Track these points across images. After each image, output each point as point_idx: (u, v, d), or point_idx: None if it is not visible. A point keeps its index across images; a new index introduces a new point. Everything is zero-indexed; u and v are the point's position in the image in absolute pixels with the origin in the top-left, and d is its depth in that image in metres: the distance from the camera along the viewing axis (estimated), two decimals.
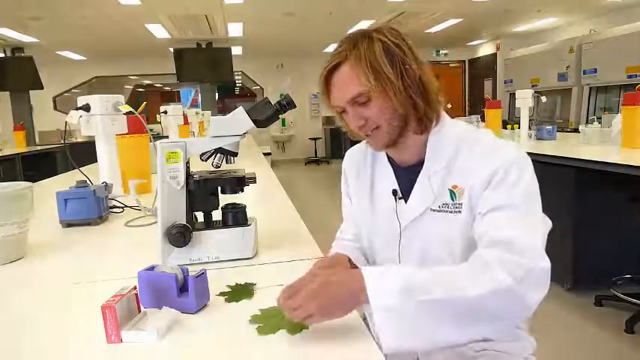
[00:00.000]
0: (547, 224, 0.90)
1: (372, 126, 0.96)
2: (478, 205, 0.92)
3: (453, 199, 0.96)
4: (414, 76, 0.93)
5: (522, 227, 0.85)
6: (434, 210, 0.98)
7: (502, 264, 0.79)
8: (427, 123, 0.98)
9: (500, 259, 0.80)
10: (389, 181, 1.06)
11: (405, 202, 1.03)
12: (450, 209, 0.97)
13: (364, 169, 1.12)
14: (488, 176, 0.91)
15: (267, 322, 0.79)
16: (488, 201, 0.90)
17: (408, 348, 0.78)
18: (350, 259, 1.08)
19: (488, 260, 0.80)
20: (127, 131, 2.06)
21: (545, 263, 0.81)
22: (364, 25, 7.46)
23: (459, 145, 0.98)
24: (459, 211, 0.95)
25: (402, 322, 0.75)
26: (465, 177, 0.95)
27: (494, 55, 9.93)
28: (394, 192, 1.04)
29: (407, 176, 1.03)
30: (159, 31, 7.43)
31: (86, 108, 1.90)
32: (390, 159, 1.07)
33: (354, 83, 0.93)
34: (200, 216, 1.15)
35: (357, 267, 1.08)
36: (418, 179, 1.00)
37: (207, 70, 8.20)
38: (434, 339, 0.78)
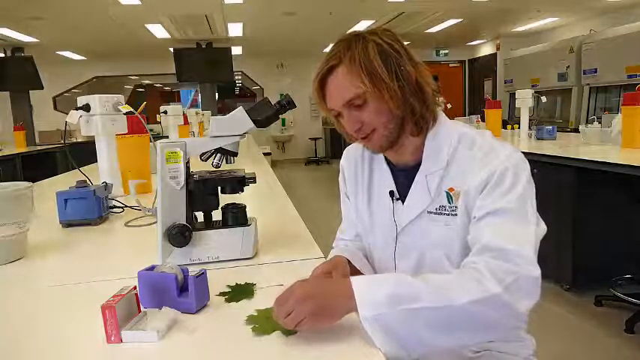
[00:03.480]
0: (541, 229, 0.89)
1: (368, 129, 0.96)
2: (473, 209, 0.92)
3: (449, 202, 0.96)
4: (409, 77, 0.92)
5: (515, 234, 0.84)
6: (431, 212, 0.98)
7: (492, 272, 0.79)
8: (423, 125, 0.97)
9: (490, 267, 0.80)
10: (386, 181, 1.05)
11: (402, 203, 1.02)
12: (447, 212, 0.96)
13: (362, 168, 1.11)
14: (483, 180, 0.90)
15: (263, 322, 0.79)
16: (483, 206, 0.89)
17: (401, 353, 0.77)
18: (349, 262, 1.07)
19: (478, 268, 0.81)
20: (127, 131, 2.06)
21: (536, 271, 0.81)
22: (364, 25, 7.46)
23: (456, 147, 0.97)
24: (455, 214, 0.95)
25: (390, 331, 0.75)
26: (461, 179, 0.94)
27: (495, 55, 9.93)
28: (391, 193, 1.04)
29: (405, 177, 1.02)
30: (159, 31, 7.43)
31: (86, 108, 1.90)
32: (387, 159, 1.07)
33: (348, 86, 0.92)
34: (200, 216, 1.15)
35: (356, 269, 1.08)
36: (415, 180, 1.00)
37: (207, 70, 8.18)
38: (425, 345, 0.78)
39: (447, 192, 0.96)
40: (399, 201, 1.03)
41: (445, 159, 0.97)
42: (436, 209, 0.97)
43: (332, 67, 0.93)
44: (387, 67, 0.90)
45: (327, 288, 0.81)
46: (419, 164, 1.00)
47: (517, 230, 0.85)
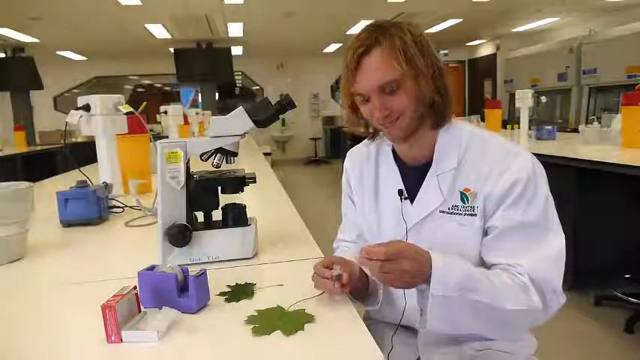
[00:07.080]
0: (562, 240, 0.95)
1: (396, 116, 0.94)
2: (494, 215, 0.94)
3: (464, 202, 0.96)
4: (439, 69, 0.94)
5: (547, 256, 0.92)
6: (443, 212, 0.98)
7: (536, 288, 0.90)
8: (443, 118, 0.98)
9: (533, 287, 0.90)
10: (394, 180, 1.05)
11: (412, 202, 1.02)
12: (460, 212, 0.96)
13: (368, 168, 1.11)
14: (506, 188, 0.92)
15: (263, 322, 0.79)
16: (507, 217, 0.92)
17: (445, 330, 0.94)
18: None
19: (524, 282, 0.90)
20: (127, 131, 2.06)
21: (563, 299, 0.95)
22: (364, 25, 7.44)
23: (468, 145, 0.98)
24: (474, 214, 0.95)
25: (449, 311, 0.86)
26: (477, 181, 0.95)
27: (494, 55, 9.93)
28: (400, 192, 1.03)
29: (414, 176, 1.02)
30: (159, 31, 7.42)
31: (86, 108, 1.90)
32: (395, 158, 1.07)
33: (386, 69, 0.91)
34: (200, 216, 1.15)
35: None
36: (426, 179, 1.00)
37: (207, 70, 8.18)
38: (466, 328, 0.95)
39: (461, 192, 0.96)
40: (408, 200, 1.02)
41: (456, 158, 0.97)
42: (449, 209, 0.97)
43: (368, 48, 0.91)
44: (422, 55, 0.92)
45: (420, 259, 0.84)
46: (429, 162, 1.00)
47: (547, 253, 0.92)
